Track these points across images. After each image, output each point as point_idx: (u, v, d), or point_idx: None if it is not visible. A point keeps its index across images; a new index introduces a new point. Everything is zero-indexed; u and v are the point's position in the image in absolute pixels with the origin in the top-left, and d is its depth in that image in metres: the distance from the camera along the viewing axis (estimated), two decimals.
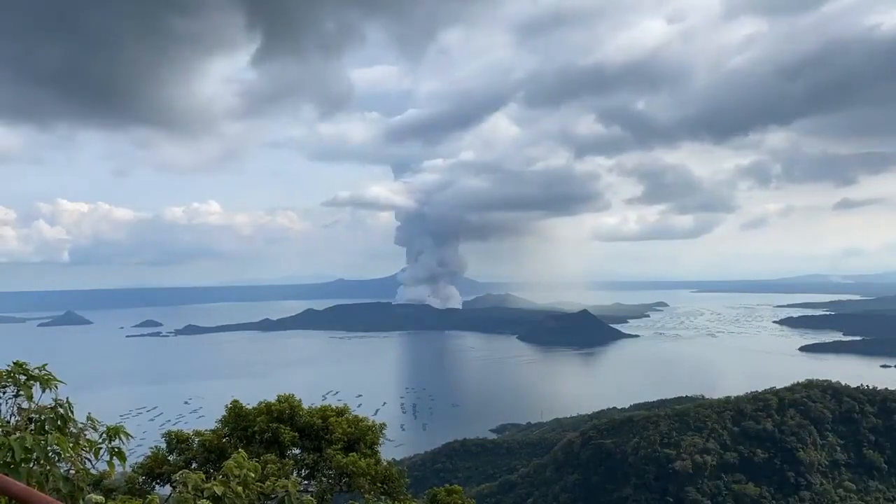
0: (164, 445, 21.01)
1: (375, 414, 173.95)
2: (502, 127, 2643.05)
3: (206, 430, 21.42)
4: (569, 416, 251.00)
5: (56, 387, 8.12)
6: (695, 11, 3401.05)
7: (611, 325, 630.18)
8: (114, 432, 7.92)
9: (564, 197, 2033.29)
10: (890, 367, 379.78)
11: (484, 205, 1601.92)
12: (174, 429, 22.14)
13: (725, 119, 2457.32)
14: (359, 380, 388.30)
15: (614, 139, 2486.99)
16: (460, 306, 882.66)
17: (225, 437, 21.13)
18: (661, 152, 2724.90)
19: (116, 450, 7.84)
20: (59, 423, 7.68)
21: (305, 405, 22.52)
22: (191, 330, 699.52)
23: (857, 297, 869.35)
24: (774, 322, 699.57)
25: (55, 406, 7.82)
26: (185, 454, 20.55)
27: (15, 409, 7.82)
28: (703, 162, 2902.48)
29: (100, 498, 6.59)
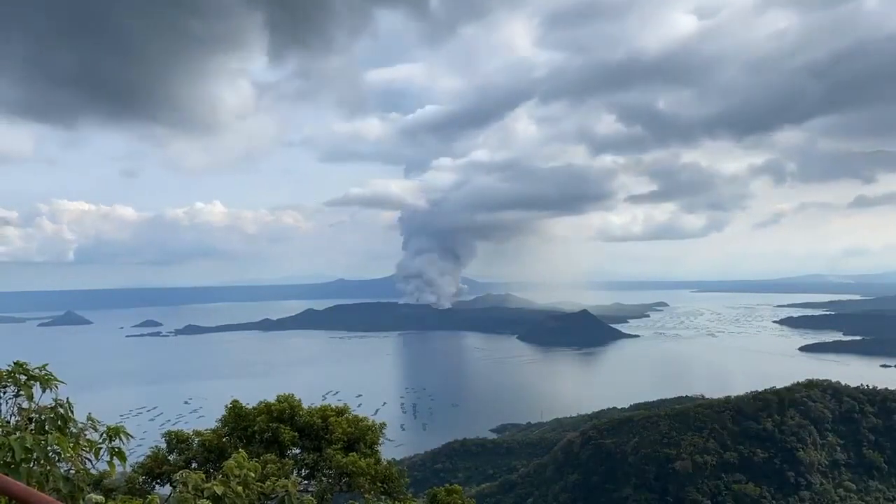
0: (164, 445, 21.00)
1: (375, 414, 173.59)
2: (517, 125, 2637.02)
3: (206, 430, 21.39)
4: (569, 416, 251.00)
5: (56, 387, 8.13)
6: (726, 6, 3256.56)
7: (611, 325, 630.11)
8: (114, 432, 7.93)
9: (571, 196, 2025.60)
10: (890, 367, 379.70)
11: (490, 204, 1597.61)
12: (174, 429, 22.12)
13: (747, 117, 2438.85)
14: (359, 380, 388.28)
15: (630, 137, 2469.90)
16: (450, 305, 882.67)
17: (225, 436, 21.12)
18: (677, 151, 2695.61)
19: (117, 450, 7.85)
20: (59, 423, 7.69)
21: (305, 405, 22.50)
22: (191, 330, 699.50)
23: (858, 297, 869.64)
24: (774, 322, 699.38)
25: (55, 406, 7.83)
26: (185, 454, 20.53)
27: (15, 409, 7.83)
28: (716, 160, 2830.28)
29: (100, 498, 6.60)
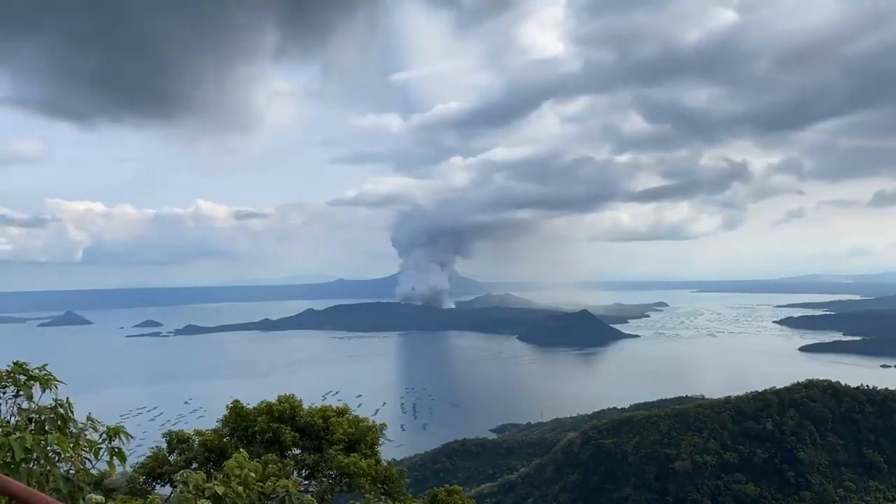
0: (164, 445, 20.99)
1: (375, 414, 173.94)
2: (534, 123, 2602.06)
3: (207, 430, 21.38)
4: (569, 416, 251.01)
5: (56, 387, 8.11)
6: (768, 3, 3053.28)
7: (611, 325, 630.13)
8: (114, 432, 7.91)
9: (576, 195, 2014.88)
10: (890, 367, 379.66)
11: (493, 203, 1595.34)
12: (174, 429, 22.11)
13: (775, 113, 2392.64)
14: (359, 380, 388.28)
15: (653, 135, 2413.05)
16: (451, 305, 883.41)
17: (226, 437, 21.10)
18: (696, 149, 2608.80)
19: (117, 450, 7.83)
20: (59, 423, 7.67)
21: (306, 405, 22.49)
22: (191, 330, 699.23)
23: (858, 297, 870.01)
24: (774, 322, 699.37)
25: (55, 406, 7.81)
26: (185, 454, 20.52)
27: (15, 409, 7.80)
28: (733, 159, 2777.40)
29: (100, 498, 6.58)
